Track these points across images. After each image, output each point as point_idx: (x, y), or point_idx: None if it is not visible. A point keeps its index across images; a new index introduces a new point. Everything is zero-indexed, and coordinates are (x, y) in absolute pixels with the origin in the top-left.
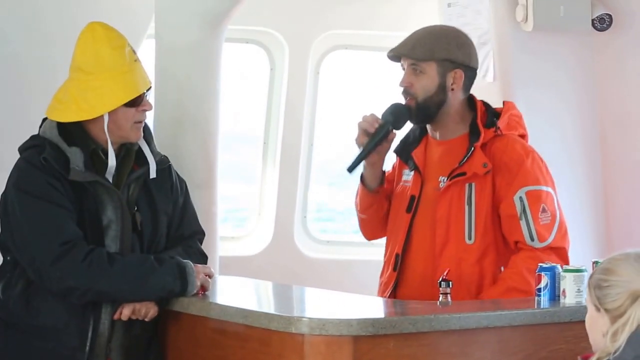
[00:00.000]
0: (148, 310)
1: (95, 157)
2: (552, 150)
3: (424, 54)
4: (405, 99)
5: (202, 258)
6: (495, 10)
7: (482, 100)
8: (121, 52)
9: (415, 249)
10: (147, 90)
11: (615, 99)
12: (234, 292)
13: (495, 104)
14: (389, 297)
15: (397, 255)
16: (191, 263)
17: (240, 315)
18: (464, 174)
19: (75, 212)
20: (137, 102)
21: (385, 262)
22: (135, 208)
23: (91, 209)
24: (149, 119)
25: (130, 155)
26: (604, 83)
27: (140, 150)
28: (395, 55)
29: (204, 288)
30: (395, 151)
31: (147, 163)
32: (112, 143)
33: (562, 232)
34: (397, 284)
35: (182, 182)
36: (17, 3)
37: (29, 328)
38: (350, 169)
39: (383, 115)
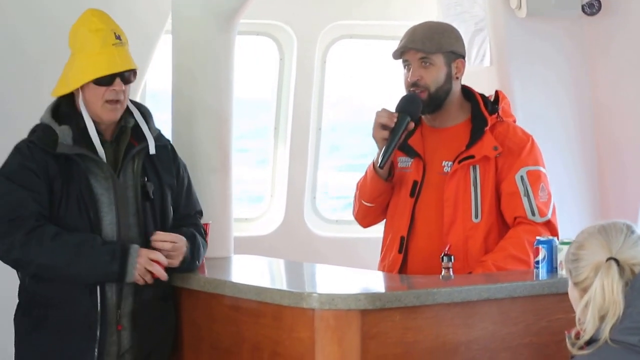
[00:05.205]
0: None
1: (87, 133)
2: (549, 129)
3: (434, 46)
4: (411, 92)
5: (205, 234)
6: None
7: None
8: (97, 35)
9: (419, 230)
10: (128, 72)
11: (607, 78)
12: (248, 270)
13: (492, 87)
14: None
15: (402, 237)
16: (137, 247)
17: (254, 292)
18: (472, 157)
19: (47, 193)
20: (106, 82)
21: (386, 246)
22: (146, 179)
23: (82, 182)
24: (167, 109)
25: (125, 132)
26: (596, 64)
27: (138, 129)
28: (407, 49)
29: (153, 274)
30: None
31: (145, 140)
32: (95, 121)
33: (554, 210)
34: (403, 264)
35: (183, 163)
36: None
37: (43, 301)
38: (382, 164)
39: (399, 108)
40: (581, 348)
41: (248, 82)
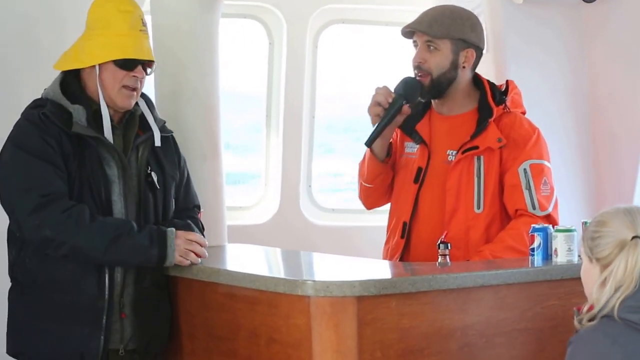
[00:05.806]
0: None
1: (97, 117)
2: (546, 115)
3: (441, 31)
4: (417, 75)
5: (202, 228)
6: None
7: (487, 79)
8: (126, 17)
9: (422, 217)
10: (147, 62)
11: (604, 64)
12: (243, 258)
13: (489, 75)
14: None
15: (404, 223)
16: (174, 230)
17: (249, 280)
18: (476, 147)
19: (66, 172)
20: (129, 67)
21: (390, 230)
22: (149, 168)
23: (94, 164)
24: (151, 92)
25: (134, 120)
26: (593, 51)
27: (144, 118)
28: (411, 31)
29: (198, 254)
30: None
31: (150, 129)
32: (108, 105)
33: (556, 204)
34: (405, 250)
35: (183, 156)
36: None
37: (46, 284)
38: (369, 142)
39: (396, 89)
40: (589, 321)
41: (247, 76)
